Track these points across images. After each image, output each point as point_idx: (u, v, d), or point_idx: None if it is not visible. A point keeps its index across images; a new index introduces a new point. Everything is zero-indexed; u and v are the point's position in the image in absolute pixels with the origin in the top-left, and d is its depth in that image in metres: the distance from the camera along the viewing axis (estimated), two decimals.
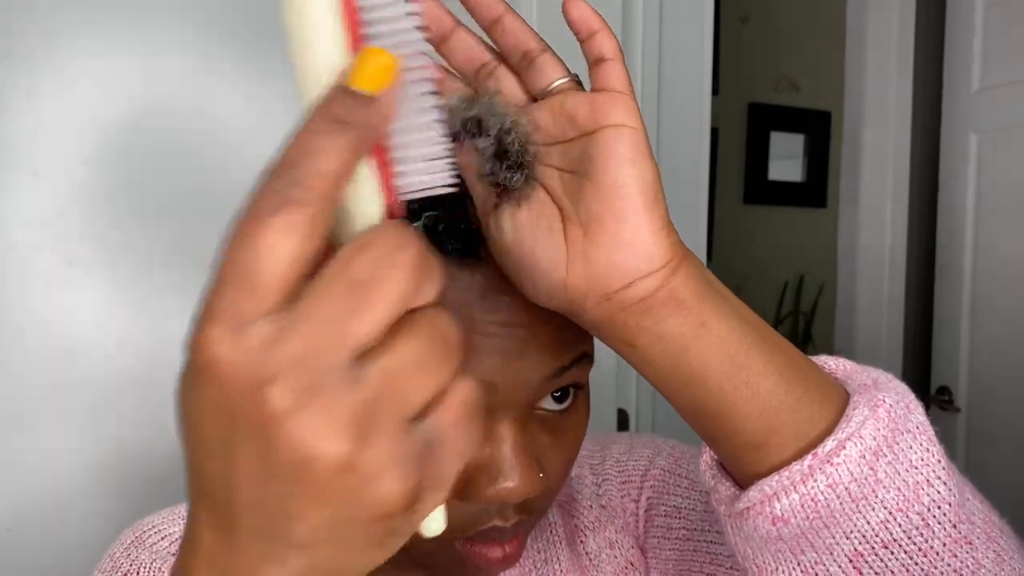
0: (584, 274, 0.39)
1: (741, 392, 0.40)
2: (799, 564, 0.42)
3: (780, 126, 2.33)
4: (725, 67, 2.23)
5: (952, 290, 2.04)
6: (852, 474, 0.39)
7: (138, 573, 0.51)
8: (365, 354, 0.25)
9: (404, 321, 0.26)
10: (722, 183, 2.25)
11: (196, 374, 0.26)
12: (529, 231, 0.41)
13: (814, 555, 0.41)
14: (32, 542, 0.91)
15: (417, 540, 0.30)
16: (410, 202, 0.29)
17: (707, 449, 0.46)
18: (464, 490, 0.43)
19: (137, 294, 0.94)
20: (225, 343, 0.24)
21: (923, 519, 0.41)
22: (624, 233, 0.39)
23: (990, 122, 1.94)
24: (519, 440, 0.44)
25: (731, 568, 0.56)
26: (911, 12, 2.11)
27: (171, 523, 0.55)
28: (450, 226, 0.42)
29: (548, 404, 0.46)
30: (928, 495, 0.41)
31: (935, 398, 2.06)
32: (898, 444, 0.41)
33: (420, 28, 0.26)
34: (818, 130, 2.34)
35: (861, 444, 0.40)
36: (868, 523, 0.40)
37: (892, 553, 0.41)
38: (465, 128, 0.40)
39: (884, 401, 0.41)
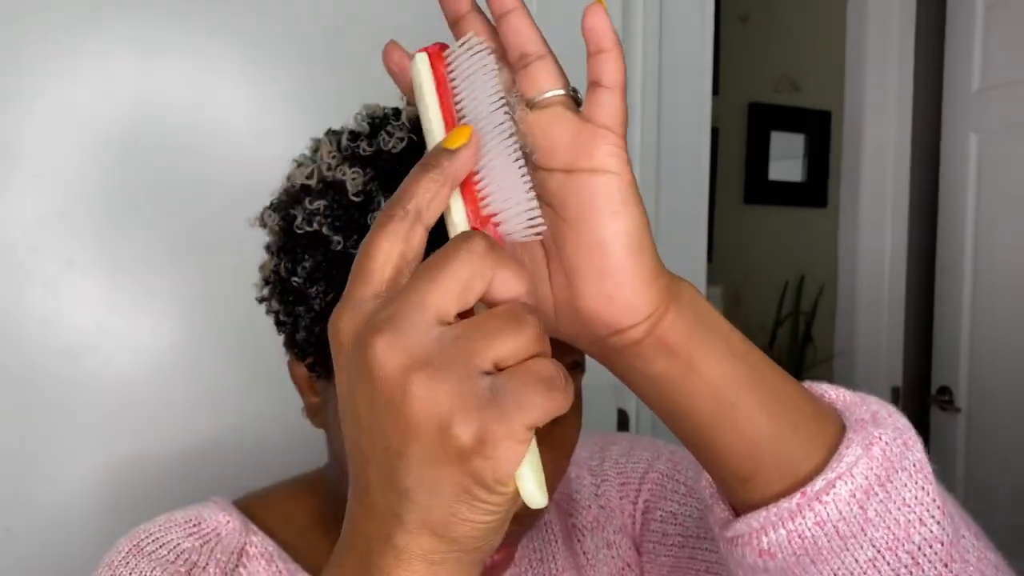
0: (571, 321, 0.40)
1: (727, 430, 0.40)
2: None
3: (780, 126, 2.33)
4: (725, 67, 2.23)
5: (952, 290, 2.04)
6: (841, 512, 0.39)
7: None
8: (450, 321, 0.32)
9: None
10: (722, 183, 2.24)
11: (333, 348, 0.34)
12: None
13: None
14: (32, 542, 0.91)
15: (524, 514, 0.37)
16: None
17: None
18: None
19: (137, 294, 0.94)
20: (345, 317, 0.33)
21: (913, 558, 0.41)
22: (606, 289, 0.38)
23: (990, 122, 1.94)
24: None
25: None
26: (911, 12, 2.11)
27: (167, 531, 0.55)
28: (441, 237, 0.42)
29: None
30: (920, 533, 0.41)
31: (935, 398, 2.06)
32: (892, 482, 0.40)
33: (506, 111, 0.38)
34: (818, 130, 2.33)
35: (852, 483, 0.39)
36: (856, 561, 0.40)
37: None
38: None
39: (880, 439, 0.41)
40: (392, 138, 0.48)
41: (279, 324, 0.54)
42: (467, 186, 0.37)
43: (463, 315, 0.33)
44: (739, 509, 0.43)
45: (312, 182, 0.50)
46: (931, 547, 0.41)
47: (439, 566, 0.32)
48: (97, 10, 0.91)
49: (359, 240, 0.46)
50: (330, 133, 0.53)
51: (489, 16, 0.42)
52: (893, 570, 0.40)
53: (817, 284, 2.34)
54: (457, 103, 0.39)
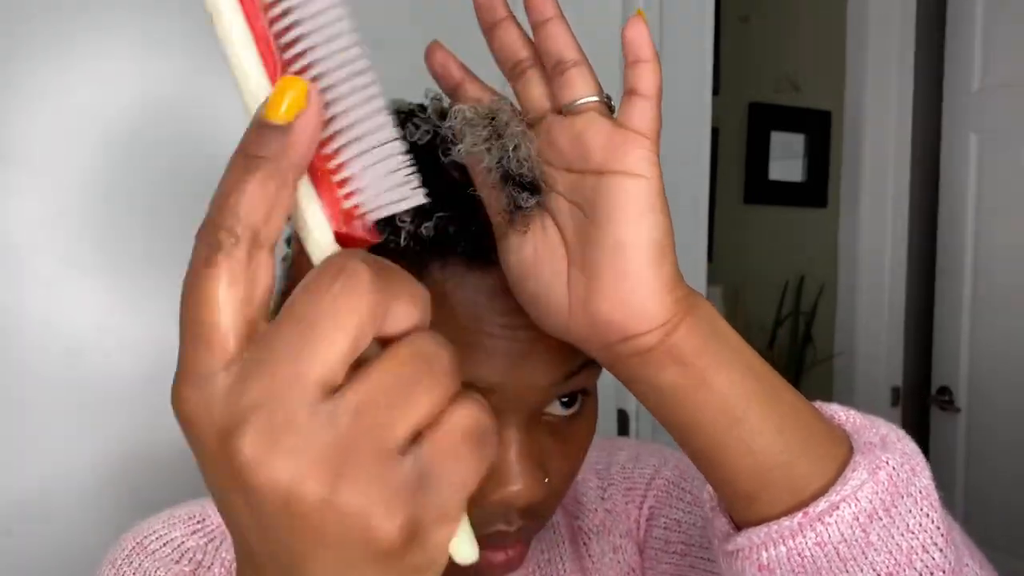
0: (584, 323, 0.39)
1: (734, 447, 0.40)
2: None
3: (780, 126, 2.33)
4: (726, 67, 2.23)
5: (952, 290, 2.04)
6: (843, 535, 0.39)
7: None
8: (336, 389, 0.24)
9: (385, 350, 0.25)
10: (722, 183, 2.24)
11: (185, 434, 0.26)
12: (533, 269, 0.40)
13: None
14: (32, 542, 0.91)
15: (452, 570, 0.29)
16: (421, 203, 0.28)
17: None
18: None
19: (137, 294, 0.94)
20: (192, 399, 0.25)
21: None
22: (622, 292, 0.38)
23: (990, 122, 1.94)
24: (525, 445, 0.44)
25: None
26: (911, 12, 2.11)
27: (171, 528, 0.55)
28: (461, 227, 0.42)
29: (555, 409, 0.46)
30: (922, 560, 0.40)
31: (935, 398, 2.06)
32: (896, 508, 0.40)
33: (357, 44, 0.26)
34: (818, 130, 2.33)
35: (856, 506, 0.39)
36: None
37: None
38: (473, 144, 0.40)
39: (887, 463, 0.40)
40: (419, 130, 0.48)
41: None
42: (318, 165, 0.27)
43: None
44: (741, 524, 0.43)
45: None
46: (932, 575, 0.40)
47: None
48: (97, 10, 0.91)
49: (384, 227, 0.46)
50: None
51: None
52: None
53: (817, 284, 2.34)
54: (273, 14, 0.26)
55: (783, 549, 0.39)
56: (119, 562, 0.52)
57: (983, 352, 1.97)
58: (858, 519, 0.39)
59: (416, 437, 0.25)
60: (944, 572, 0.41)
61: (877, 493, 0.39)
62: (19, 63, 0.88)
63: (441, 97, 0.49)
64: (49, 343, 0.91)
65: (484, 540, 0.45)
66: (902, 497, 0.40)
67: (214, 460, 0.25)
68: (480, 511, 0.44)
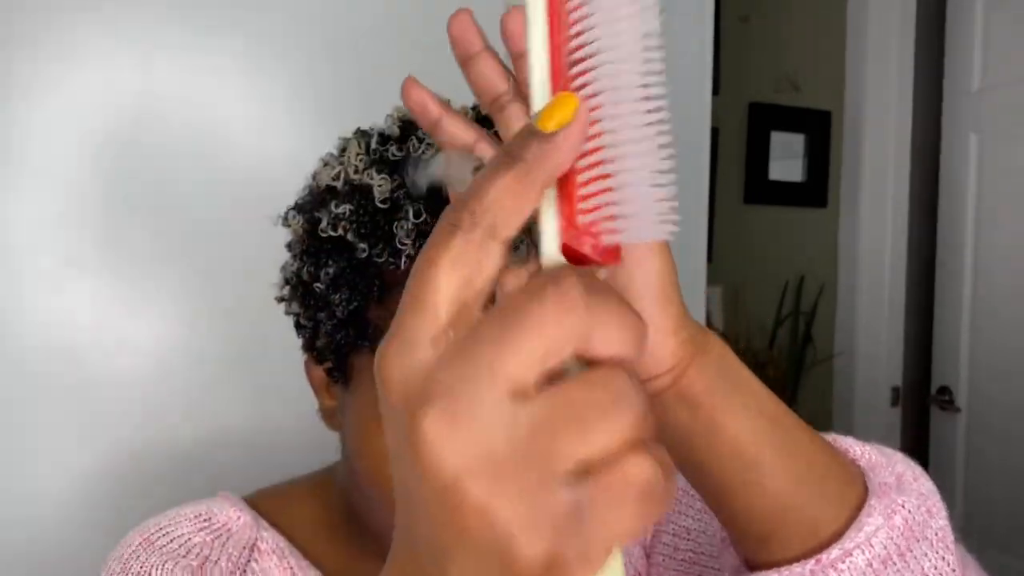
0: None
1: (747, 489, 0.39)
2: None
3: (780, 126, 2.33)
4: (725, 67, 2.23)
5: (952, 290, 2.04)
6: None
7: (150, 574, 0.51)
8: (525, 394, 0.24)
9: (586, 371, 0.25)
10: (722, 183, 2.24)
11: (379, 389, 0.26)
12: None
13: None
14: (32, 541, 0.91)
15: None
16: None
17: None
18: None
19: (137, 294, 0.94)
20: (394, 362, 0.25)
21: None
22: None
23: (990, 122, 1.94)
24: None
25: None
26: (911, 12, 2.11)
27: (178, 525, 0.55)
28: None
29: None
30: None
31: (935, 398, 2.06)
32: (911, 552, 0.39)
33: (654, 72, 0.26)
34: (818, 130, 2.33)
35: (870, 552, 0.38)
36: None
37: None
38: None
39: (903, 507, 0.40)
40: (422, 144, 0.47)
41: (299, 327, 0.53)
42: (569, 178, 0.27)
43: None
44: (751, 563, 0.42)
45: (338, 184, 0.49)
46: None
47: None
48: (97, 10, 0.91)
49: (384, 249, 0.45)
50: (359, 134, 0.52)
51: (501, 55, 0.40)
52: None
53: (817, 284, 2.34)
54: (578, 34, 0.27)
55: None
56: (126, 557, 0.52)
57: (983, 352, 1.96)
58: (871, 565, 0.38)
59: (584, 472, 0.24)
60: None
61: (892, 539, 0.39)
62: (19, 63, 0.88)
63: (448, 102, 0.49)
64: (49, 343, 0.91)
65: None
66: (918, 541, 0.40)
67: (398, 423, 0.25)
68: None
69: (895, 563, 0.39)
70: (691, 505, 0.61)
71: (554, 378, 0.24)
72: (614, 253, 0.28)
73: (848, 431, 0.45)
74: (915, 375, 2.23)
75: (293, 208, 0.53)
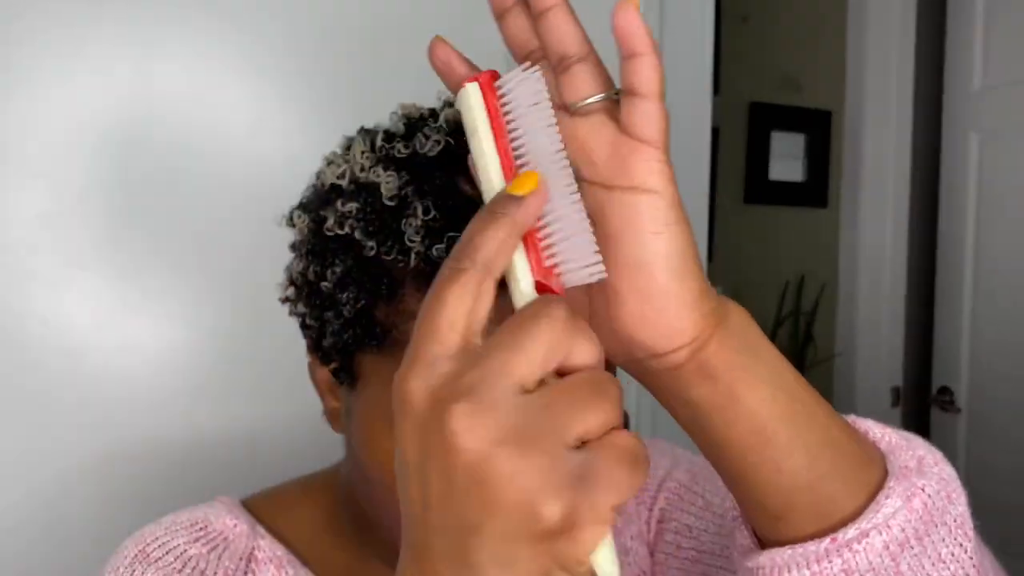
0: (610, 340, 0.37)
1: (764, 466, 0.38)
2: None
3: (781, 126, 2.33)
4: (726, 67, 2.23)
5: (953, 290, 2.04)
6: (871, 563, 0.38)
7: None
8: (530, 391, 0.30)
9: (569, 374, 0.32)
10: (722, 183, 2.24)
11: (399, 410, 0.32)
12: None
13: None
14: (32, 541, 0.91)
15: None
16: None
17: None
18: None
19: (137, 294, 0.94)
20: (418, 379, 0.31)
21: None
22: (646, 312, 0.36)
23: (991, 121, 1.94)
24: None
25: None
26: (911, 12, 2.10)
27: (174, 535, 0.54)
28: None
29: None
30: None
31: (936, 398, 2.06)
32: (929, 537, 0.39)
33: (563, 150, 0.35)
34: (819, 130, 2.33)
35: (887, 534, 0.38)
36: None
37: None
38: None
39: (923, 490, 0.39)
40: (429, 140, 0.47)
41: (304, 327, 0.52)
42: (530, 235, 0.35)
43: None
44: (764, 541, 0.42)
45: (344, 182, 0.48)
46: None
47: None
48: (97, 10, 0.91)
49: (392, 246, 0.45)
50: (363, 132, 0.51)
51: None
52: None
53: (817, 284, 2.34)
54: (513, 139, 0.37)
55: (807, 573, 0.38)
56: (121, 570, 0.52)
57: (984, 352, 1.96)
58: (888, 548, 0.38)
59: (584, 444, 0.30)
60: None
61: (910, 522, 0.38)
62: (20, 63, 0.88)
63: (453, 102, 0.49)
64: (49, 343, 0.91)
65: None
66: (936, 526, 0.39)
67: (425, 427, 0.30)
68: None
69: (912, 547, 0.38)
70: (693, 503, 0.61)
71: (545, 382, 0.31)
72: (563, 289, 0.36)
73: None
74: (916, 375, 2.23)
75: (298, 207, 0.52)
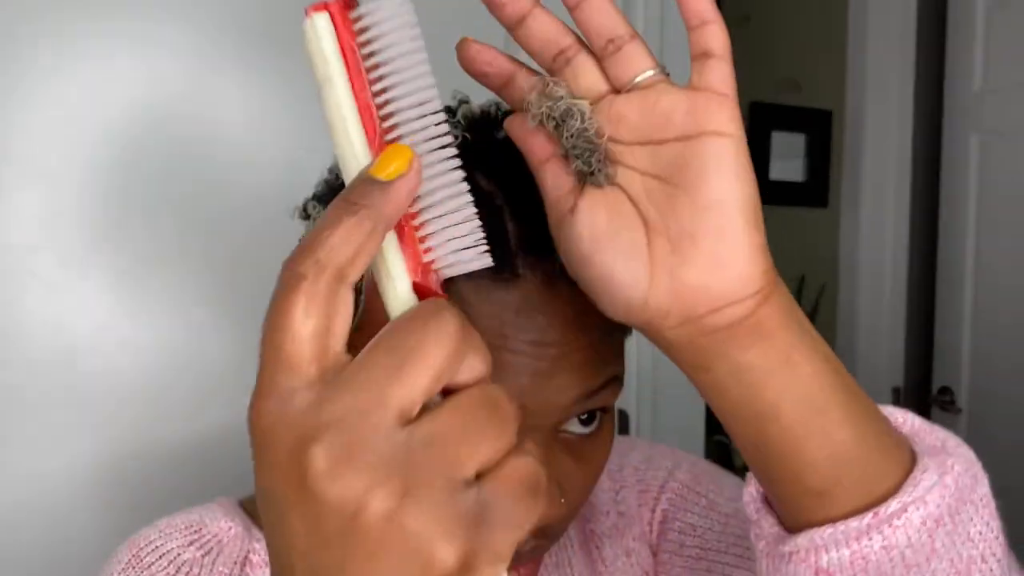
0: (669, 293, 0.36)
1: (814, 438, 0.37)
2: None
3: (781, 125, 2.33)
4: None
5: (953, 290, 2.04)
6: (910, 539, 0.37)
7: None
8: (412, 421, 0.26)
9: (455, 393, 0.27)
10: None
11: (256, 449, 0.27)
12: (609, 241, 0.37)
13: None
14: (30, 543, 0.91)
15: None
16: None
17: (753, 480, 0.44)
18: None
19: (137, 294, 0.94)
20: (272, 413, 0.26)
21: None
22: (722, 254, 0.36)
23: (991, 122, 1.94)
24: (542, 463, 0.44)
25: None
26: (912, 12, 2.10)
27: (168, 539, 0.54)
28: (488, 242, 0.42)
29: (574, 427, 0.45)
30: (980, 571, 0.39)
31: (936, 399, 2.06)
32: (959, 515, 0.39)
33: (445, 123, 0.30)
34: (819, 130, 2.33)
35: (924, 510, 0.37)
36: None
37: None
38: (540, 123, 0.38)
39: (953, 468, 0.39)
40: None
41: None
42: (404, 221, 0.30)
43: None
44: (792, 526, 0.41)
45: None
46: None
47: None
48: (98, 10, 0.91)
49: None
50: None
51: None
52: None
53: (817, 284, 2.34)
54: (377, 91, 0.29)
55: (846, 552, 0.38)
56: (115, 575, 0.52)
57: (984, 352, 1.96)
58: (925, 523, 0.37)
59: (477, 478, 0.26)
60: None
61: (944, 498, 0.38)
62: (20, 63, 0.88)
63: (469, 99, 0.48)
64: (49, 343, 0.91)
65: None
66: (965, 504, 0.39)
67: (284, 471, 0.26)
68: None
69: (946, 523, 0.38)
70: (696, 502, 0.61)
71: (427, 407, 0.27)
72: (445, 286, 0.31)
73: None
74: (916, 375, 2.23)
75: (312, 199, 0.52)
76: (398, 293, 0.30)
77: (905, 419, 0.43)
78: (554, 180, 0.39)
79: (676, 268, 0.36)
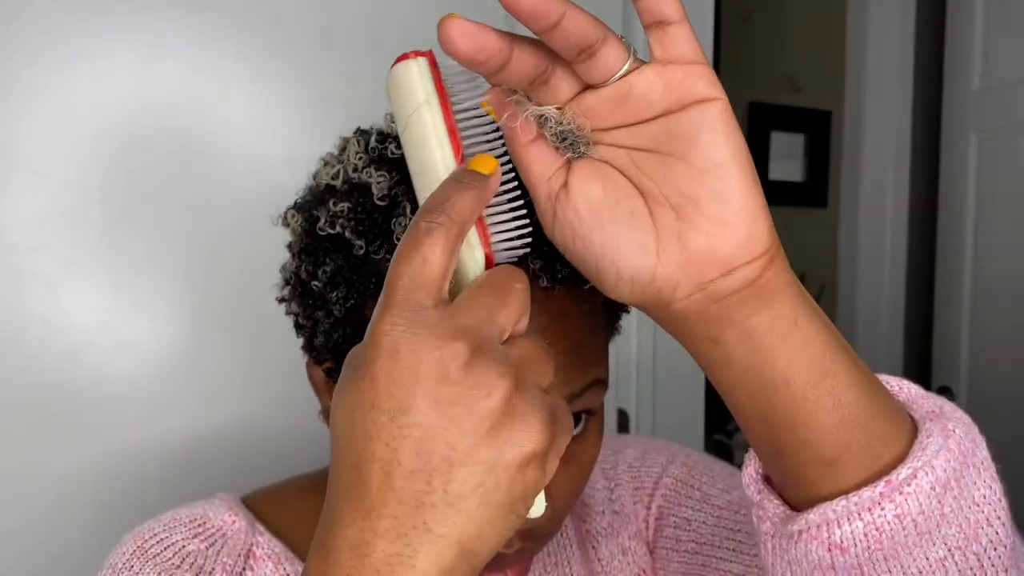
0: (678, 261, 0.36)
1: (823, 401, 0.37)
2: None
3: (780, 126, 2.33)
4: (726, 67, 2.23)
5: (952, 290, 2.04)
6: (921, 506, 0.37)
7: None
8: (505, 342, 0.34)
9: (523, 336, 0.36)
10: None
11: (376, 358, 0.32)
12: (609, 211, 0.37)
13: None
14: (31, 543, 0.91)
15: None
16: None
17: (752, 461, 0.44)
18: None
19: (137, 294, 0.94)
20: (405, 324, 0.32)
21: (979, 560, 0.39)
22: (727, 214, 0.35)
23: (990, 122, 1.94)
24: None
25: None
26: (911, 12, 2.10)
27: (172, 531, 0.54)
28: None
29: None
30: (987, 535, 0.39)
31: None
32: (964, 479, 0.39)
33: (501, 140, 0.40)
34: (818, 130, 2.33)
35: (932, 475, 0.37)
36: (927, 559, 0.38)
37: None
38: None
39: (955, 432, 0.39)
40: None
41: (298, 327, 0.53)
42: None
43: None
44: (798, 504, 0.40)
45: (337, 183, 0.48)
46: (995, 550, 0.39)
47: None
48: (98, 10, 0.91)
49: (381, 245, 0.45)
50: (359, 133, 0.51)
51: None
52: (960, 572, 0.38)
53: (817, 284, 2.34)
54: (456, 120, 0.39)
55: (859, 524, 0.37)
56: (119, 566, 0.52)
57: (983, 352, 1.96)
58: (934, 489, 0.37)
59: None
60: (1006, 547, 0.39)
61: (950, 462, 0.38)
62: (19, 63, 0.88)
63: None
64: (49, 343, 0.91)
65: None
66: (968, 468, 0.39)
67: (418, 370, 0.31)
68: None
69: (952, 488, 0.38)
70: (690, 496, 0.61)
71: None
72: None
73: None
74: (915, 375, 2.23)
75: (292, 207, 0.53)
76: (476, 259, 0.38)
77: (901, 386, 0.43)
78: (541, 159, 0.39)
79: (683, 235, 0.36)
